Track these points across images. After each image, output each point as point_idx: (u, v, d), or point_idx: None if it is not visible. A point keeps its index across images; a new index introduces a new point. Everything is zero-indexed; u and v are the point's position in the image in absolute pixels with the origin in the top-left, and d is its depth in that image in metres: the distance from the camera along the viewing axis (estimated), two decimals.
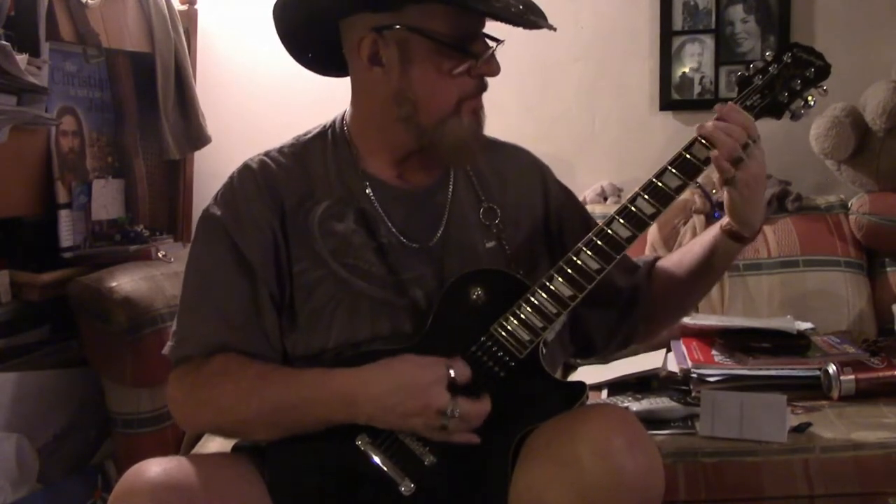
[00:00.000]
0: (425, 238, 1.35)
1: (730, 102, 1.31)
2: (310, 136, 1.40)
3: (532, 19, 1.26)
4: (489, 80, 1.30)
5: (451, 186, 1.38)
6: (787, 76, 1.33)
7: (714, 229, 1.38)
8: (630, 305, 1.43)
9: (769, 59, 1.35)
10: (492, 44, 1.28)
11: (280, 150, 1.38)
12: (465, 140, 1.29)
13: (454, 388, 1.19)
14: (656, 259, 1.48)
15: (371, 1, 1.24)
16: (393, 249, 1.32)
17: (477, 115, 1.31)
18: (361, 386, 1.19)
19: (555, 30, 1.29)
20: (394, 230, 1.33)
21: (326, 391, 1.21)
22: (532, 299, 1.25)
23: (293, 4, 1.30)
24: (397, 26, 1.23)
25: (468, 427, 1.20)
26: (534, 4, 1.31)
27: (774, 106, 1.33)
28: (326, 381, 1.22)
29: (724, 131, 1.25)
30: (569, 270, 1.25)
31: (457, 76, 1.26)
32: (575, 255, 1.26)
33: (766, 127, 1.35)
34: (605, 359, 1.62)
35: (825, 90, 1.34)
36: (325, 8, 1.29)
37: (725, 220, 1.34)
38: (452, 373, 1.19)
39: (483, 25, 1.29)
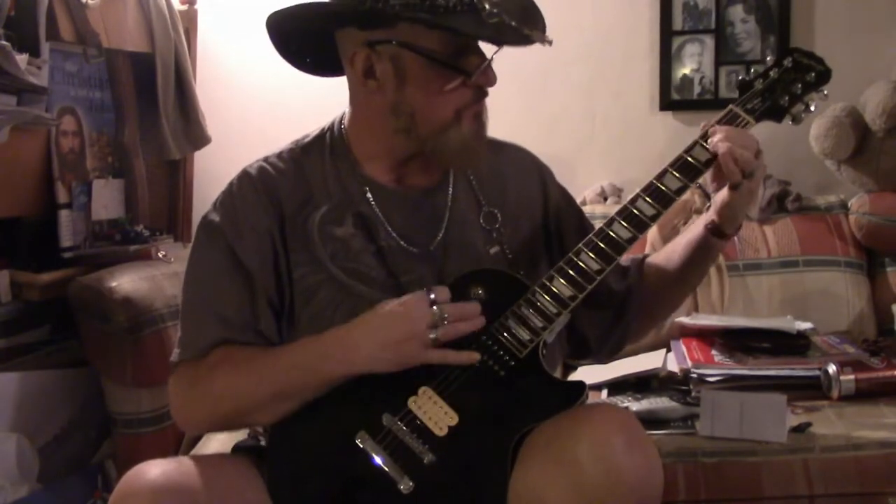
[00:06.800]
0: (425, 241, 1.35)
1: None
2: (308, 139, 1.40)
3: (526, 34, 1.23)
4: None
5: (450, 189, 1.38)
6: (788, 80, 1.35)
7: (697, 228, 1.38)
8: (624, 307, 1.44)
9: (770, 63, 1.36)
10: (489, 53, 1.27)
11: (279, 156, 1.38)
12: (467, 144, 1.29)
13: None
14: (644, 258, 1.48)
15: (363, 20, 1.24)
16: (392, 253, 1.33)
17: (479, 118, 1.30)
18: (353, 331, 1.22)
19: (550, 43, 1.26)
20: (393, 234, 1.33)
21: (321, 346, 1.23)
22: (532, 299, 1.25)
23: (285, 18, 1.30)
24: (390, 42, 1.23)
25: (463, 330, 1.21)
26: (532, 10, 1.28)
27: (775, 109, 1.34)
28: (319, 338, 1.24)
29: (739, 143, 1.26)
30: (569, 271, 1.26)
31: (452, 91, 1.25)
32: (575, 256, 1.26)
33: (766, 127, 1.36)
34: (598, 361, 1.63)
35: (826, 94, 1.35)
36: (317, 22, 1.30)
37: (709, 218, 1.35)
38: (433, 295, 1.21)
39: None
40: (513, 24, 1.22)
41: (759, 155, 1.28)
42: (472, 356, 1.22)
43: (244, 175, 1.36)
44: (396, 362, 1.21)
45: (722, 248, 1.40)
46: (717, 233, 1.35)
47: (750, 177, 1.27)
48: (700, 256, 1.39)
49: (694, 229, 1.39)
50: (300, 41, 1.34)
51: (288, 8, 1.28)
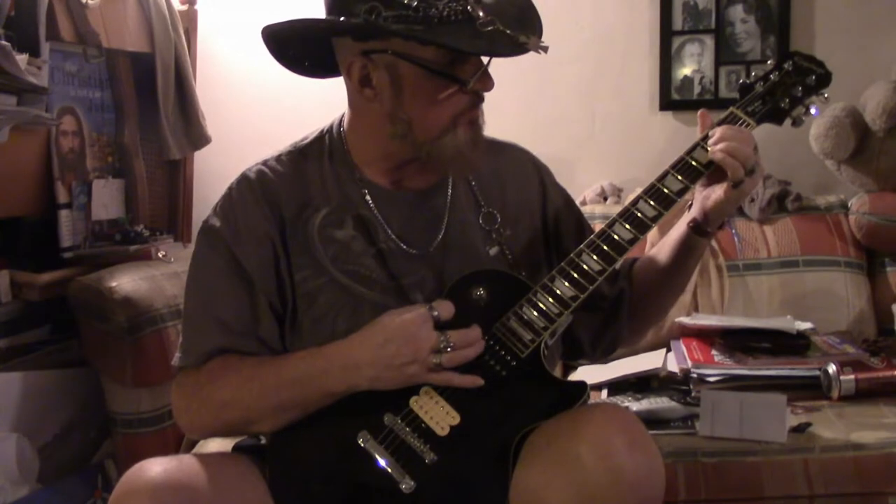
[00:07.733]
0: (425, 242, 1.35)
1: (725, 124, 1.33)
2: (307, 142, 1.40)
3: (521, 42, 1.21)
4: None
5: (449, 190, 1.38)
6: (789, 83, 1.35)
7: (680, 227, 1.39)
8: (615, 310, 1.44)
9: (770, 66, 1.37)
10: (485, 57, 1.26)
11: (278, 159, 1.38)
12: (462, 151, 1.28)
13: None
14: (633, 261, 1.48)
15: (357, 32, 1.24)
16: (392, 255, 1.33)
17: (474, 124, 1.30)
18: (355, 349, 1.22)
19: (545, 50, 1.23)
20: (393, 236, 1.33)
21: (324, 361, 1.23)
22: (534, 299, 1.25)
23: (282, 29, 1.30)
24: (385, 51, 1.23)
25: (468, 356, 1.21)
26: (530, 13, 1.27)
27: (776, 112, 1.35)
28: (322, 352, 1.24)
29: (738, 141, 1.26)
30: (571, 271, 1.26)
31: (448, 98, 1.25)
32: (577, 257, 1.27)
33: (766, 127, 1.36)
34: (593, 362, 1.63)
35: (826, 98, 1.36)
36: (314, 32, 1.30)
37: (691, 216, 1.36)
38: (436, 313, 1.21)
39: None
40: (508, 31, 1.20)
41: (755, 151, 1.29)
42: (475, 380, 1.22)
43: (243, 179, 1.36)
44: (398, 383, 1.22)
45: (704, 248, 1.41)
46: (700, 231, 1.35)
47: (751, 173, 1.27)
48: (684, 255, 1.39)
49: (677, 229, 1.40)
50: (297, 47, 1.34)
51: (282, 22, 1.29)
